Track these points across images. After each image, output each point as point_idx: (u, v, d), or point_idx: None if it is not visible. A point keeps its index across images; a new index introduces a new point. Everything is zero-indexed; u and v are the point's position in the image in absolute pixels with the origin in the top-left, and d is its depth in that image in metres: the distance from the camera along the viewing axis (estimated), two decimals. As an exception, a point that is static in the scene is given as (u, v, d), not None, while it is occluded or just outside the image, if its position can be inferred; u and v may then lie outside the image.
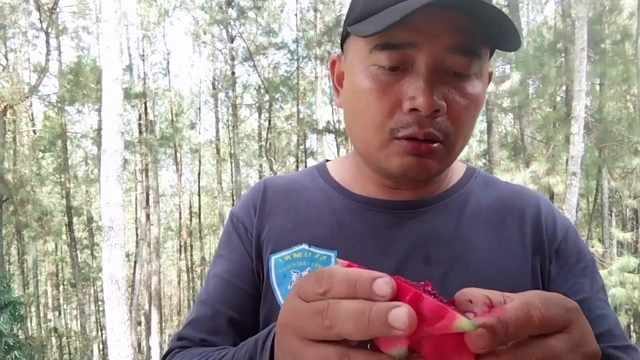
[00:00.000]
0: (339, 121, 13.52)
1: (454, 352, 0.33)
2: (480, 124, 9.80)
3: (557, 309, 0.36)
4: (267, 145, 14.64)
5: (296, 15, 14.95)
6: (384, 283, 0.33)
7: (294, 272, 0.66)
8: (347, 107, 0.65)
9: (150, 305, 15.22)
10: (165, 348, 0.72)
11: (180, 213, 18.33)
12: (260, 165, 15.48)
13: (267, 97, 14.16)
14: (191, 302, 18.85)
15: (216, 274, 0.72)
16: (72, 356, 17.46)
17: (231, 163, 15.73)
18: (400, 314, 0.31)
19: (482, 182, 0.72)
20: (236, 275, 0.70)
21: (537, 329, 0.35)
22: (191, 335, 0.68)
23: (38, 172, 13.83)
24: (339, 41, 0.70)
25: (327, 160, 0.79)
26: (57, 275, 17.85)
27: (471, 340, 0.32)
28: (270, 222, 0.71)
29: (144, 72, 15.21)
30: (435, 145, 0.58)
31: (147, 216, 14.78)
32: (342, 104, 0.68)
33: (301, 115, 14.34)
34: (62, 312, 18.01)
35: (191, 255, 18.92)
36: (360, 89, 0.60)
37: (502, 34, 0.55)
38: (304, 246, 0.67)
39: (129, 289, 13.35)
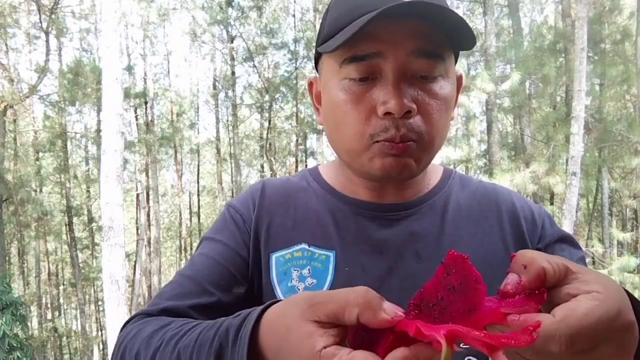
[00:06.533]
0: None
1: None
2: (480, 124, 9.79)
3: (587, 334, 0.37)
4: (267, 145, 14.63)
5: (294, 15, 14.95)
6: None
7: (294, 269, 0.69)
8: (327, 122, 0.69)
9: (150, 305, 15.19)
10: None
11: (180, 213, 18.32)
12: (261, 165, 15.45)
13: (267, 97, 14.14)
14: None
15: (205, 254, 0.71)
16: (72, 356, 17.44)
17: (231, 163, 15.71)
18: None
19: (458, 182, 0.77)
20: (228, 260, 0.69)
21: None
22: (175, 306, 0.64)
23: (38, 172, 13.82)
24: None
25: (318, 165, 0.83)
26: (57, 275, 17.84)
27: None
28: (270, 219, 0.73)
29: (144, 72, 15.20)
30: (409, 143, 0.61)
31: (147, 216, 14.77)
32: (323, 121, 0.71)
33: (301, 115, 14.31)
34: (62, 312, 18.00)
35: (191, 255, 18.86)
36: (336, 103, 0.64)
37: (458, 34, 0.60)
38: (304, 245, 0.70)
39: (129, 289, 13.34)
